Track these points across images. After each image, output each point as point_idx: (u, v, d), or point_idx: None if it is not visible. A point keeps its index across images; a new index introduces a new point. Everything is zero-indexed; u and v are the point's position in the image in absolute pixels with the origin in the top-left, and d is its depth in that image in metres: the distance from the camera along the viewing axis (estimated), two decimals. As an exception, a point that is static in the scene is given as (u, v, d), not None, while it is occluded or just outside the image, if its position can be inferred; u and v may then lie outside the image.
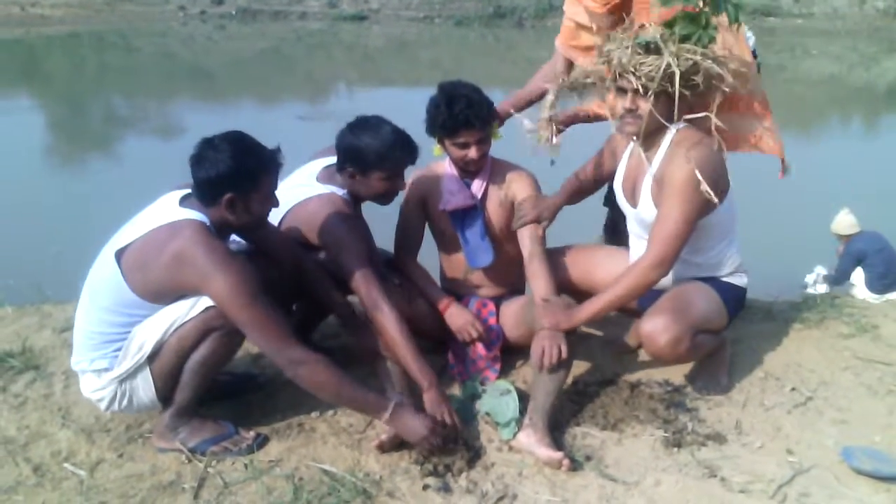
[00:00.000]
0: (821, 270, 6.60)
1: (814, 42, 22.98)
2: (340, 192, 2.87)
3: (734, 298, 2.86)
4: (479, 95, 2.82)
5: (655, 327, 2.62)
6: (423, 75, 18.20)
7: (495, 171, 3.02)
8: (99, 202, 6.88)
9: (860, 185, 7.69)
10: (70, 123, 12.42)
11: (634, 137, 2.68)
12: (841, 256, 6.48)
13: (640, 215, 2.76)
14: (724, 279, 2.84)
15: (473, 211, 2.98)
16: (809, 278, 6.58)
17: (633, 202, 2.79)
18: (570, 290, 2.98)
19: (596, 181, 3.13)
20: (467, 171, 2.95)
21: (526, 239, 2.95)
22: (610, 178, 3.03)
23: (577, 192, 3.13)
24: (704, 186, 2.50)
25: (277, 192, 2.52)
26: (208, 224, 2.37)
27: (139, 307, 2.38)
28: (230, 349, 2.51)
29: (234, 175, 2.33)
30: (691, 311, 2.69)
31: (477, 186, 2.98)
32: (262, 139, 2.47)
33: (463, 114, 2.76)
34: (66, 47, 22.37)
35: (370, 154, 2.77)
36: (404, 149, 2.80)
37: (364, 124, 2.82)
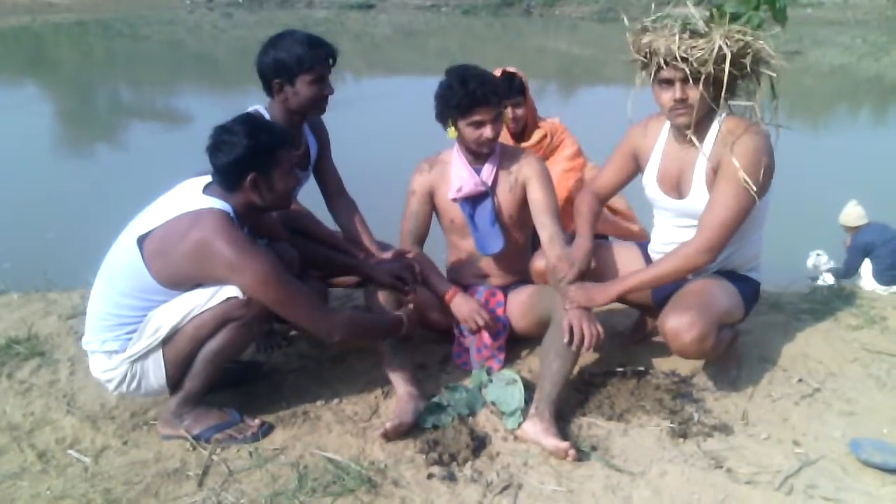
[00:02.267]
0: (821, 258, 6.58)
1: (824, 32, 22.85)
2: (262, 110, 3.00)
3: (751, 293, 2.83)
4: (490, 75, 2.84)
5: (681, 324, 2.57)
6: (430, 64, 18.15)
7: (504, 156, 3.00)
8: (105, 190, 6.89)
9: (868, 177, 7.65)
10: (76, 111, 12.44)
11: (687, 128, 2.59)
12: (849, 248, 6.45)
13: (690, 206, 2.68)
14: (743, 273, 2.82)
15: (484, 198, 2.97)
16: (809, 262, 6.57)
17: (679, 194, 2.73)
18: None
19: (616, 189, 3.04)
20: (480, 154, 2.92)
21: (544, 218, 2.91)
22: (628, 181, 3.00)
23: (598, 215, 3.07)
24: (753, 178, 2.48)
25: None
26: (231, 213, 2.38)
27: (158, 293, 2.39)
28: (246, 340, 2.53)
29: (252, 154, 2.35)
30: (715, 307, 2.65)
31: (487, 173, 2.96)
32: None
33: (480, 90, 2.76)
34: (73, 35, 22.38)
35: (292, 59, 2.85)
36: (321, 45, 2.90)
37: (277, 38, 2.92)
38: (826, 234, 6.55)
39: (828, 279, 6.34)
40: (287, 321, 2.64)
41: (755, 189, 2.49)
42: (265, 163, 2.39)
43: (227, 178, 2.39)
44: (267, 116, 2.96)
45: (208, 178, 2.47)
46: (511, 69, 3.58)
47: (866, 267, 6.32)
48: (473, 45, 21.44)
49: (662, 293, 2.81)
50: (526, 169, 2.96)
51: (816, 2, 25.72)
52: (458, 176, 2.97)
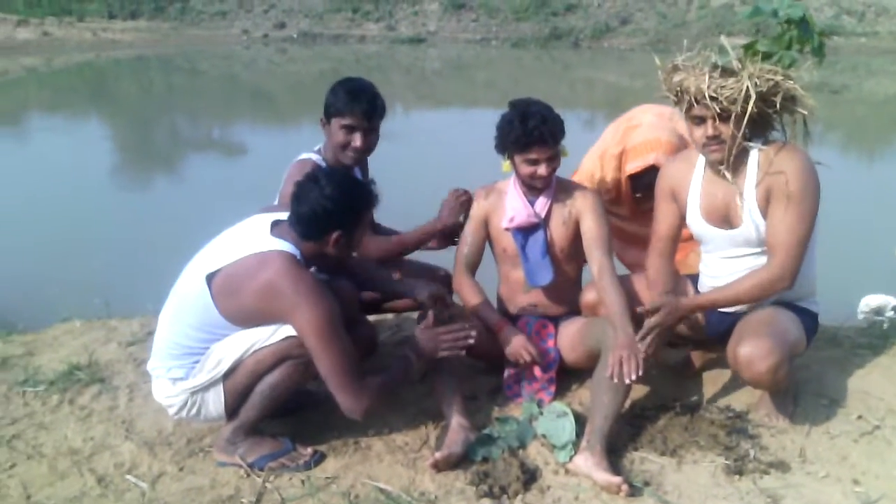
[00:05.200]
0: (871, 301, 6.35)
1: (878, 61, 22.44)
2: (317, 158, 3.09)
3: (811, 325, 2.80)
4: (552, 113, 2.84)
5: (756, 352, 2.54)
6: (479, 96, 18.26)
7: (559, 189, 3.02)
8: (164, 219, 7.05)
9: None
10: (136, 143, 12.77)
11: (721, 163, 2.62)
12: (909, 282, 6.26)
13: (743, 234, 2.68)
14: (800, 304, 2.79)
15: (536, 229, 2.98)
16: (863, 305, 6.36)
17: (729, 224, 2.72)
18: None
19: (677, 231, 2.96)
20: (533, 188, 2.95)
21: (595, 251, 2.92)
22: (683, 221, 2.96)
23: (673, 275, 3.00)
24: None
25: None
26: (298, 255, 2.44)
27: (224, 328, 2.46)
28: (303, 378, 2.57)
29: (341, 213, 2.42)
30: (788, 337, 2.63)
31: (541, 205, 2.98)
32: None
33: (537, 130, 2.78)
34: (135, 70, 23.04)
35: (330, 102, 2.99)
36: (363, 100, 2.97)
37: (345, 79, 3.06)
38: (883, 267, 6.38)
39: (888, 315, 6.15)
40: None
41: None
42: (351, 222, 2.47)
43: (309, 227, 2.44)
44: (321, 159, 3.05)
45: (275, 216, 2.53)
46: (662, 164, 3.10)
47: (928, 301, 6.13)
48: (522, 77, 21.51)
49: (719, 327, 2.78)
50: (580, 202, 2.97)
51: (871, 31, 25.29)
52: (512, 206, 2.99)
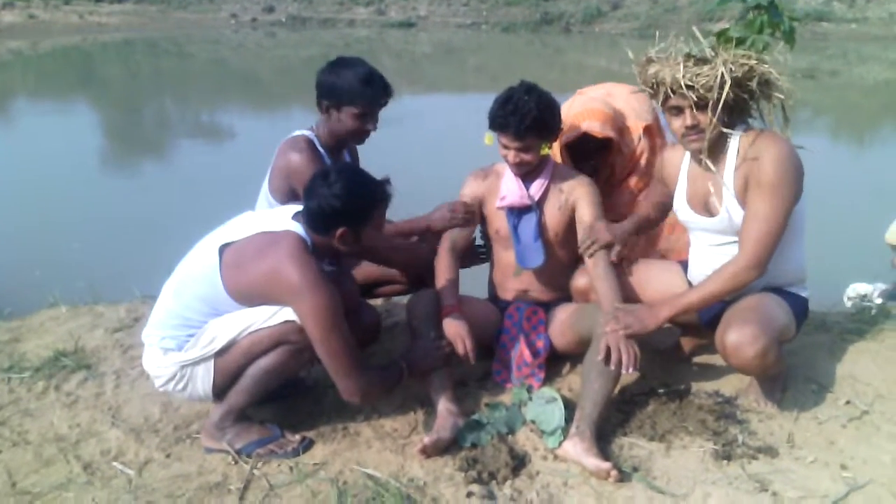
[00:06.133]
0: (858, 288, 6.37)
1: (868, 48, 22.47)
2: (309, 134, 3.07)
3: (800, 310, 2.79)
4: (537, 107, 2.76)
5: (743, 338, 2.53)
6: (469, 81, 18.23)
7: (557, 174, 3.00)
8: (152, 205, 7.01)
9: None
10: (123, 127, 12.68)
11: (700, 152, 2.60)
12: (897, 268, 6.28)
13: (722, 223, 2.68)
14: (789, 290, 2.78)
15: (529, 211, 2.97)
16: (850, 291, 6.38)
17: (709, 212, 2.72)
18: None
19: (661, 211, 3.07)
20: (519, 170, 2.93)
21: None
22: (670, 203, 2.99)
23: (646, 221, 3.07)
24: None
25: None
26: (309, 242, 2.44)
27: (226, 305, 2.46)
28: (297, 364, 2.56)
29: (347, 211, 2.41)
30: (775, 322, 2.62)
31: (536, 188, 2.97)
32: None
33: (503, 117, 2.77)
34: (122, 54, 22.87)
35: (345, 89, 2.91)
36: (377, 86, 2.93)
37: (343, 62, 2.97)
38: (872, 252, 6.39)
39: (876, 301, 6.17)
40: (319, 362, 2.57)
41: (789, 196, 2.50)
42: (358, 220, 2.46)
43: (316, 222, 2.45)
44: (313, 136, 3.02)
45: (300, 208, 2.54)
46: (595, 131, 3.14)
47: (915, 287, 6.16)
48: (513, 61, 21.46)
49: (711, 311, 2.77)
50: (577, 190, 2.97)
51: (861, 17, 25.31)
52: (507, 186, 2.99)
